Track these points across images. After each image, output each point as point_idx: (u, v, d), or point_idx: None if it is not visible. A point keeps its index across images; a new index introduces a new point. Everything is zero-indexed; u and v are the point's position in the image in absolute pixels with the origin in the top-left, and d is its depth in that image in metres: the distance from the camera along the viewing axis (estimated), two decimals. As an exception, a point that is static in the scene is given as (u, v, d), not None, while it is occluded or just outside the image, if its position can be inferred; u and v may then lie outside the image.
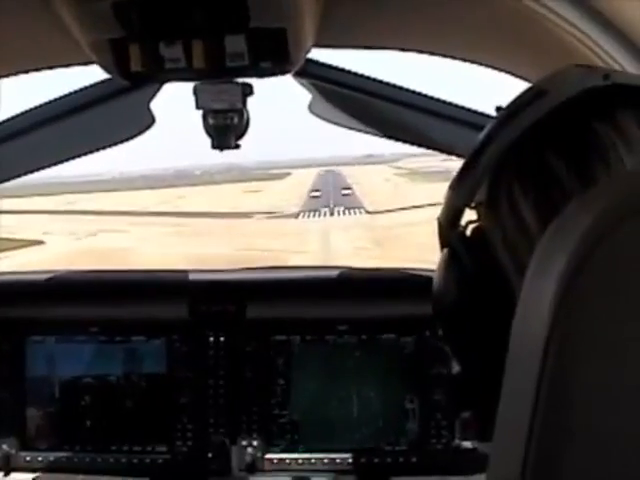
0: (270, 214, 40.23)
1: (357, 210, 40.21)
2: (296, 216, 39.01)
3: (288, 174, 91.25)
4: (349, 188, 56.98)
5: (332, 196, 50.95)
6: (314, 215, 39.28)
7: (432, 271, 1.36)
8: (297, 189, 57.90)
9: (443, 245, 0.91)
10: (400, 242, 23.87)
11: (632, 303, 0.56)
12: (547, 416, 0.56)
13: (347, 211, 39.96)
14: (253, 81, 1.78)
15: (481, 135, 0.85)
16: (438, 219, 0.91)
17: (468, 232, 0.90)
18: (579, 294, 0.55)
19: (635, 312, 0.56)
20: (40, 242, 31.42)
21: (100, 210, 45.43)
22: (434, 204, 2.30)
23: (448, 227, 0.89)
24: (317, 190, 56.54)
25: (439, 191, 0.93)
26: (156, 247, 25.41)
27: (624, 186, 0.60)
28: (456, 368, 0.90)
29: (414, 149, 2.36)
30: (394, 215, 33.75)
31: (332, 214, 39.62)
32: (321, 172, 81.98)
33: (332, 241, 27.52)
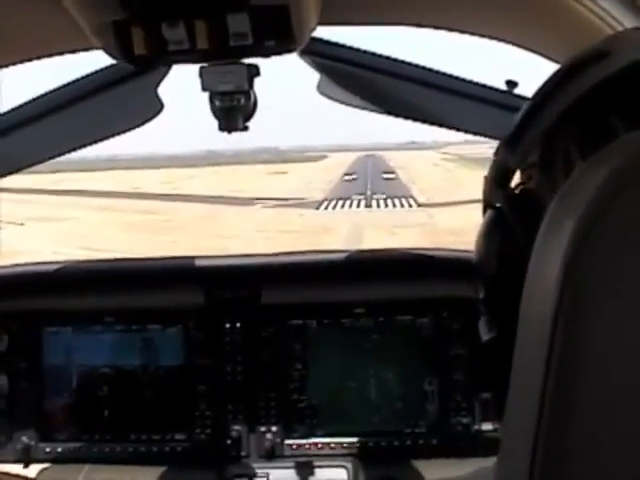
0: (282, 201, 31.60)
1: (404, 200, 29.98)
2: (317, 206, 29.64)
3: (324, 157, 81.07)
4: (392, 172, 43.78)
5: (370, 180, 37.59)
6: (342, 205, 29.76)
7: (446, 250, 2.12)
8: (329, 172, 50.57)
9: (487, 206, 0.90)
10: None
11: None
12: (558, 387, 0.56)
13: (390, 202, 26.49)
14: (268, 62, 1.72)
15: (535, 95, 0.85)
16: (485, 177, 0.92)
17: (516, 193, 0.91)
18: (587, 258, 0.56)
19: None
20: None
21: (54, 189, 34.56)
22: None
23: (496, 187, 0.89)
24: (352, 173, 44.16)
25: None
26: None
27: (630, 150, 0.60)
28: (486, 336, 0.89)
29: (458, 136, 1.73)
30: (457, 211, 23.13)
31: (369, 205, 26.07)
32: (360, 155, 70.96)
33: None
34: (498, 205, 0.87)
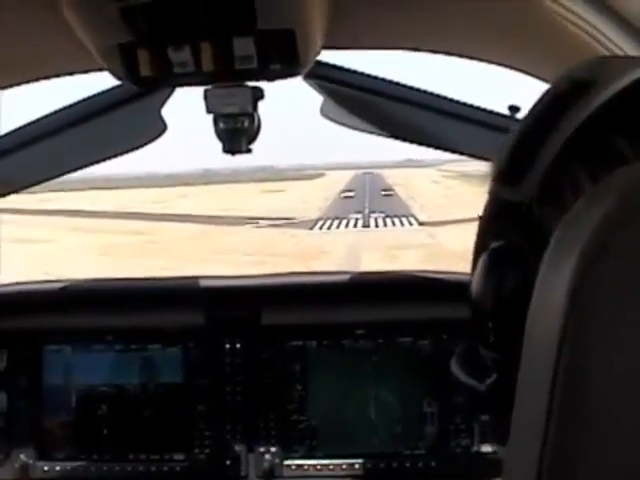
0: (275, 220, 29.79)
1: (404, 219, 28.31)
2: (311, 226, 27.72)
3: (321, 175, 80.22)
4: (391, 189, 42.77)
5: (368, 198, 36.32)
6: (338, 225, 28.15)
7: (445, 273, 2.20)
8: (326, 190, 49.86)
9: (484, 246, 0.85)
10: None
11: None
12: (563, 412, 0.56)
13: (389, 220, 25.96)
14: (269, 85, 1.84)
15: (527, 126, 0.83)
16: (481, 217, 0.89)
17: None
18: (592, 286, 0.55)
19: None
20: None
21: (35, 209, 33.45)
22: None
23: (500, 224, 0.85)
24: (350, 190, 43.18)
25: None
26: None
27: (634, 179, 0.60)
28: (488, 381, 0.83)
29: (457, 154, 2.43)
30: (461, 229, 19.55)
31: (367, 225, 24.42)
32: (358, 173, 70.50)
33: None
34: (496, 245, 0.81)
